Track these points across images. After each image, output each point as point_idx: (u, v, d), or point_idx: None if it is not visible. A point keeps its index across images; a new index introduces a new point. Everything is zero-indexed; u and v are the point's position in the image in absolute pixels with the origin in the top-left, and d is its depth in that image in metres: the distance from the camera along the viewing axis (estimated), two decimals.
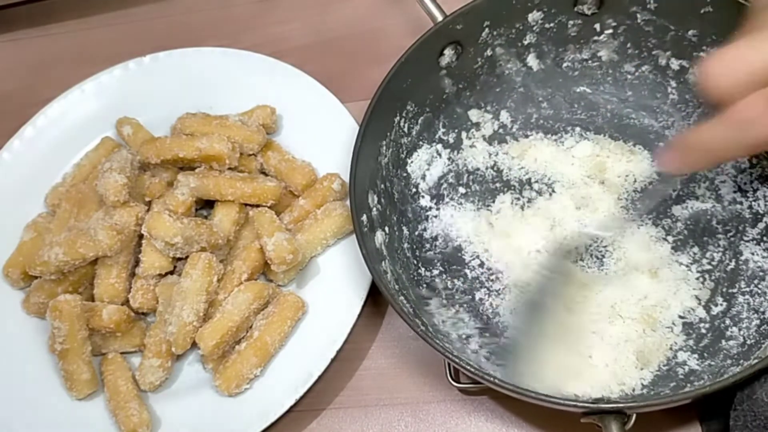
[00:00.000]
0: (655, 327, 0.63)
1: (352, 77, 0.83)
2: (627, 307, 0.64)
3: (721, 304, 0.64)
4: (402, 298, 0.62)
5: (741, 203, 0.67)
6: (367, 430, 0.66)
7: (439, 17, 0.71)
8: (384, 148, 0.69)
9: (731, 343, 0.61)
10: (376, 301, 0.69)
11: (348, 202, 0.64)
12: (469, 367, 0.55)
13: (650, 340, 0.63)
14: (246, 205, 0.73)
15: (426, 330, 0.60)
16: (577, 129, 0.74)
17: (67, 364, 0.67)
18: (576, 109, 0.75)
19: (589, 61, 0.75)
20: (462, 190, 0.73)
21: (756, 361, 0.55)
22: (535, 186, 0.72)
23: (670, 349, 0.62)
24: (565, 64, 0.75)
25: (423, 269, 0.69)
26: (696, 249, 0.66)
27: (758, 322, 0.61)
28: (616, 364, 0.62)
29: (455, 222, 0.71)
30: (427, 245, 0.70)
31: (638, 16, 0.70)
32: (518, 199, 0.71)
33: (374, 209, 0.67)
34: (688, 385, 0.60)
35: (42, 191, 0.78)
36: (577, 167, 0.72)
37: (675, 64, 0.72)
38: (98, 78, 0.84)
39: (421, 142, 0.74)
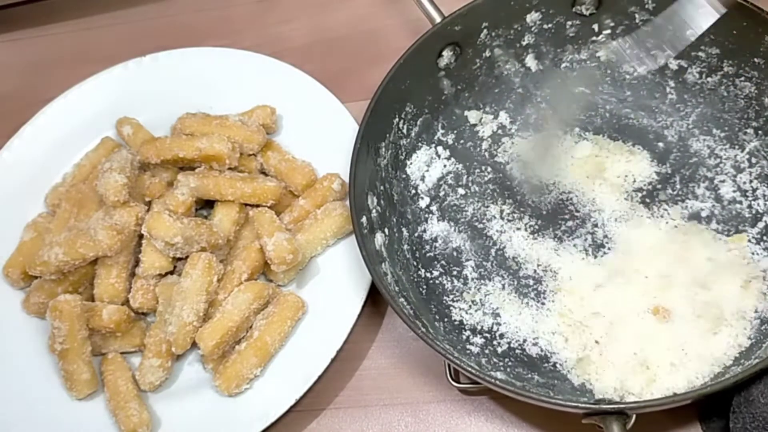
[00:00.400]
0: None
1: (352, 77, 0.83)
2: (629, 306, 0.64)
3: None
4: (402, 299, 0.62)
5: (741, 203, 0.67)
6: (367, 430, 0.66)
7: (438, 19, 0.71)
8: (383, 149, 0.69)
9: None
10: (376, 301, 0.69)
11: (348, 203, 0.64)
12: (470, 369, 0.56)
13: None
14: (246, 205, 0.73)
15: (426, 331, 0.60)
16: (576, 129, 0.74)
17: (67, 364, 0.67)
18: (575, 109, 0.75)
19: (588, 62, 0.75)
20: (461, 191, 0.73)
21: (757, 361, 0.55)
22: None
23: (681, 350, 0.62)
24: (563, 65, 0.76)
25: (423, 270, 0.69)
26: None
27: (759, 321, 0.62)
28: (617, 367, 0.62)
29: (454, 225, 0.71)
30: (427, 246, 0.71)
31: (636, 16, 0.71)
32: None
33: (374, 211, 0.67)
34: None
35: (42, 191, 0.79)
36: (577, 167, 0.72)
37: (673, 64, 0.72)
38: (98, 78, 0.84)
39: (420, 144, 0.74)
